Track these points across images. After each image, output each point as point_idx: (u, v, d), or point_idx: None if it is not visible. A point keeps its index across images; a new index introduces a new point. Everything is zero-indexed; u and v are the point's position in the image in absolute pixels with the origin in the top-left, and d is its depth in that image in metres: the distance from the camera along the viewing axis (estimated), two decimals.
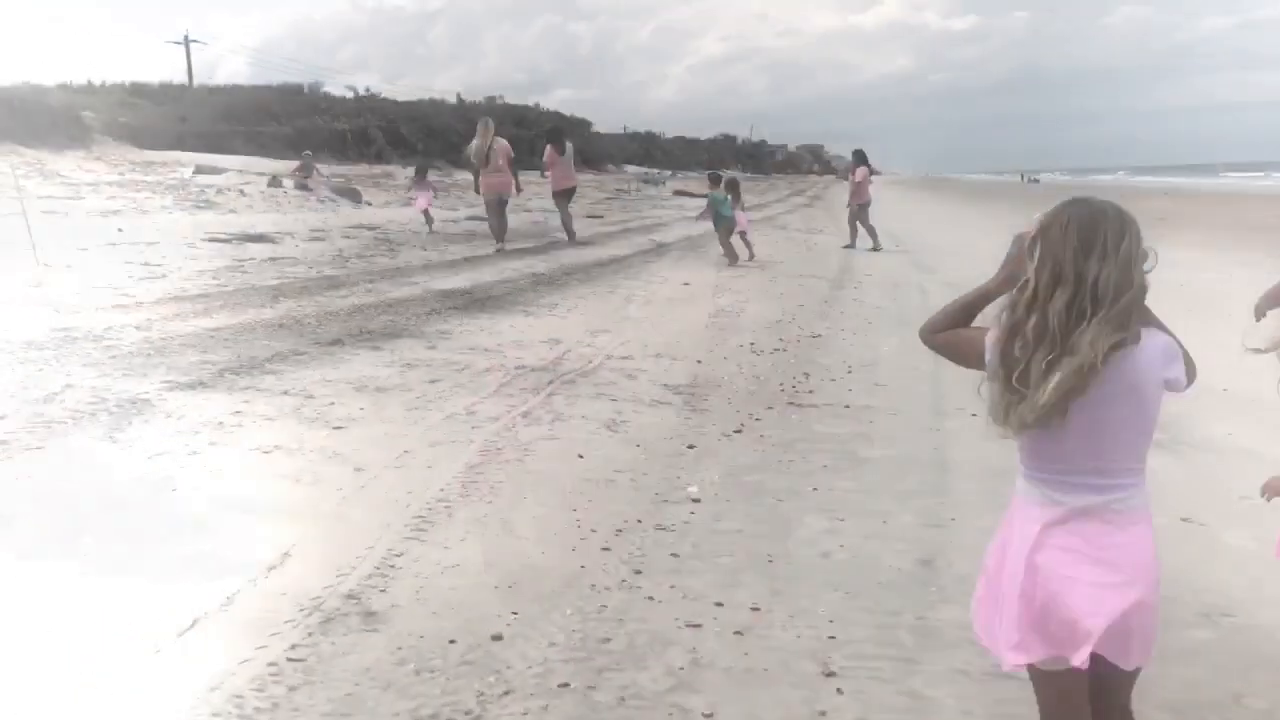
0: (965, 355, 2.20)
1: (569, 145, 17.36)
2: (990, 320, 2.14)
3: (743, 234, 15.25)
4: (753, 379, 7.07)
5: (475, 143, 15.82)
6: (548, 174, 17.65)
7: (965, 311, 2.24)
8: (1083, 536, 2.05)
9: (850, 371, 7.44)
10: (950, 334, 2.24)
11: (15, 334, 7.21)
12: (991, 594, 2.20)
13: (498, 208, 15.72)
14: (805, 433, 5.77)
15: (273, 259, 12.86)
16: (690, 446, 5.40)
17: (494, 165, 15.59)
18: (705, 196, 16.75)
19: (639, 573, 3.78)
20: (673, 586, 3.67)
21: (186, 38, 53.78)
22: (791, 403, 6.43)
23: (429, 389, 6.32)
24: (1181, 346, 2.10)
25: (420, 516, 4.20)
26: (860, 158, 19.80)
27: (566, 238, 17.12)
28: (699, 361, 7.58)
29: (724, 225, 15.04)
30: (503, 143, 15.82)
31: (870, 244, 18.15)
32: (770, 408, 6.28)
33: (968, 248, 19.57)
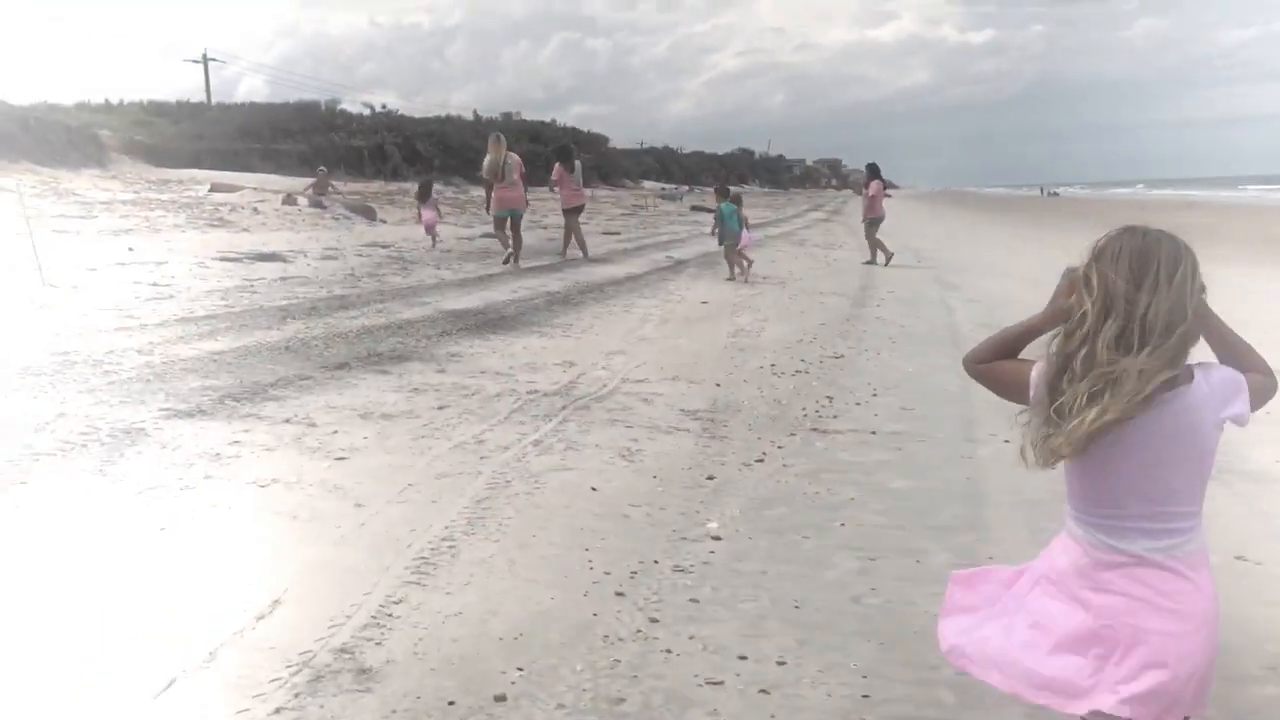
0: (1008, 386, 2.10)
1: (578, 163, 17.72)
2: (1038, 352, 2.03)
3: (741, 250, 15.04)
4: (774, 403, 6.78)
5: (489, 158, 15.83)
6: (556, 190, 17.73)
7: (1011, 344, 2.13)
8: (1144, 583, 1.94)
9: (875, 394, 7.15)
10: (995, 365, 2.14)
11: (12, 359, 7.02)
12: (1016, 628, 2.08)
13: (513, 222, 15.78)
14: (830, 462, 5.48)
15: (283, 278, 12.71)
16: (709, 477, 5.12)
17: (509, 179, 15.76)
18: (713, 211, 16.69)
19: (655, 621, 3.49)
20: (692, 637, 3.38)
21: (205, 56, 54.23)
22: (815, 429, 6.14)
23: (437, 416, 6.08)
24: (1252, 360, 2.02)
25: (422, 558, 3.93)
26: (873, 171, 19.32)
27: (582, 254, 17.20)
28: (718, 384, 7.30)
29: (730, 239, 14.86)
30: (515, 157, 16.05)
31: (882, 259, 17.86)
32: (793, 434, 5.99)
33: (990, 262, 19.29)
